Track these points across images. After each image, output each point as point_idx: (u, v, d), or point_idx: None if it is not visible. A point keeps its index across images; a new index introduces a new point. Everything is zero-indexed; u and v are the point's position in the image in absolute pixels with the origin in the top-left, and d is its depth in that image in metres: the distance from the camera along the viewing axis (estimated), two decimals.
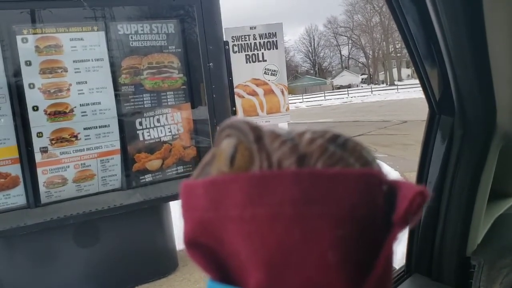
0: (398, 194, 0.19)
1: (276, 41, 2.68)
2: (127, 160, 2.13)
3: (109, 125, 2.09)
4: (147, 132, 2.18)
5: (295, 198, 0.19)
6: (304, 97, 26.33)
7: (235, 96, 2.59)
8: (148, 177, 2.20)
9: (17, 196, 1.94)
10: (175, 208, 2.36)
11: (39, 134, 1.96)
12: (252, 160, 0.21)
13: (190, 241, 0.22)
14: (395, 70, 38.04)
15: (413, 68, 0.74)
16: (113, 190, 2.09)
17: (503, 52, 0.56)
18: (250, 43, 2.65)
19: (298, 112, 14.36)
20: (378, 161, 0.21)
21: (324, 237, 0.18)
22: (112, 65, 2.09)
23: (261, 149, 0.21)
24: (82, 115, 2.04)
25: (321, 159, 0.20)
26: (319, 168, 0.20)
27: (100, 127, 2.07)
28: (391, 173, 3.53)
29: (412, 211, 0.18)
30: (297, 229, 0.19)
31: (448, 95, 0.68)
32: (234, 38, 2.65)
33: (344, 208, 0.19)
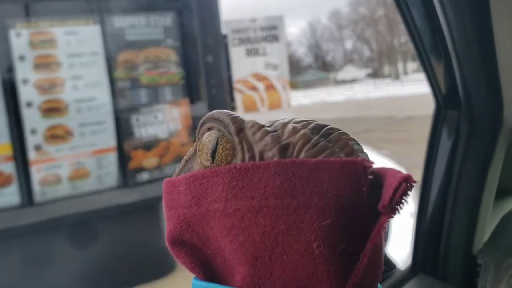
0: (384, 182, 0.18)
1: (277, 34, 2.61)
2: (123, 158, 2.09)
3: (104, 121, 2.05)
4: (144, 128, 2.14)
5: (278, 190, 0.18)
6: (306, 92, 26.25)
7: (235, 91, 2.52)
8: (145, 175, 2.16)
9: (10, 195, 1.91)
10: None
11: (33, 131, 1.93)
12: (234, 153, 0.20)
13: (174, 240, 0.22)
14: (400, 65, 37.81)
15: (418, 62, 0.71)
16: (109, 189, 2.06)
17: (510, 45, 0.55)
18: (251, 37, 2.57)
19: (301, 108, 14.31)
20: (365, 151, 0.20)
21: (309, 228, 0.18)
22: (107, 59, 2.05)
23: (243, 141, 0.20)
24: (77, 111, 2.00)
25: (304, 149, 0.19)
26: (302, 158, 0.19)
27: (95, 123, 2.03)
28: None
29: (397, 199, 0.17)
30: (281, 220, 0.18)
31: (454, 89, 0.67)
32: (234, 31, 2.58)
33: (328, 197, 0.18)
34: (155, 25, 2.15)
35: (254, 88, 2.65)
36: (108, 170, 2.07)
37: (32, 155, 1.92)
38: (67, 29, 2.00)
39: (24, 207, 1.92)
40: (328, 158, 0.19)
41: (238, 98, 2.60)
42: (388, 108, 11.49)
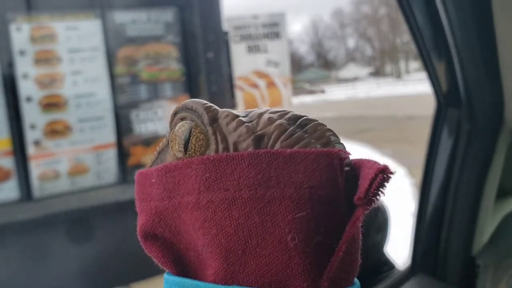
0: (360, 173, 0.18)
1: (279, 31, 2.59)
2: (122, 154, 2.09)
3: (104, 117, 2.04)
4: (144, 124, 2.13)
5: (253, 181, 0.18)
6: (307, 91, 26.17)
7: (236, 88, 2.51)
8: None
9: (9, 190, 1.91)
10: None
11: (33, 126, 1.93)
12: (208, 144, 0.20)
13: (146, 234, 0.21)
14: (402, 64, 37.70)
15: (420, 59, 0.70)
16: (108, 185, 2.06)
17: (511, 43, 0.54)
18: (252, 33, 2.56)
19: (301, 106, 14.29)
20: (343, 142, 0.20)
21: (283, 220, 0.18)
22: (108, 54, 2.05)
23: (217, 131, 0.20)
24: (76, 107, 2.00)
25: (280, 139, 0.19)
26: (277, 148, 0.19)
27: (95, 119, 2.03)
28: (398, 169, 3.47)
29: (373, 190, 0.17)
30: (255, 213, 0.18)
31: (455, 87, 0.66)
32: (236, 28, 2.56)
33: (303, 189, 0.18)
34: (156, 21, 2.14)
35: (255, 86, 2.64)
36: (107, 166, 2.07)
37: (31, 150, 1.92)
38: (68, 24, 1.99)
39: (23, 202, 1.92)
40: (304, 149, 0.19)
41: (239, 95, 2.59)
42: (390, 107, 11.46)
